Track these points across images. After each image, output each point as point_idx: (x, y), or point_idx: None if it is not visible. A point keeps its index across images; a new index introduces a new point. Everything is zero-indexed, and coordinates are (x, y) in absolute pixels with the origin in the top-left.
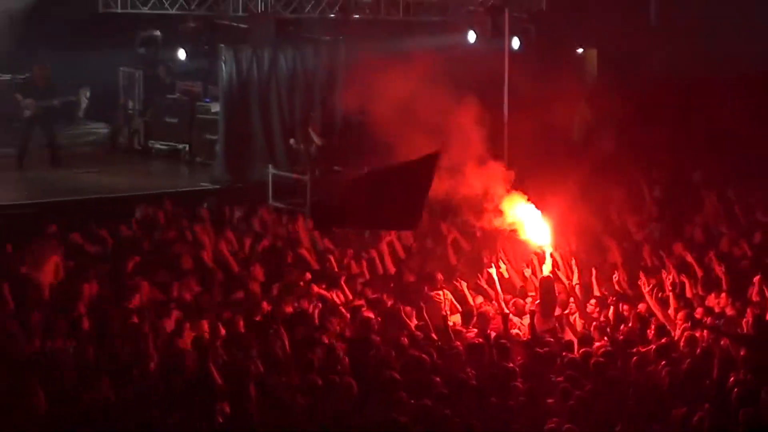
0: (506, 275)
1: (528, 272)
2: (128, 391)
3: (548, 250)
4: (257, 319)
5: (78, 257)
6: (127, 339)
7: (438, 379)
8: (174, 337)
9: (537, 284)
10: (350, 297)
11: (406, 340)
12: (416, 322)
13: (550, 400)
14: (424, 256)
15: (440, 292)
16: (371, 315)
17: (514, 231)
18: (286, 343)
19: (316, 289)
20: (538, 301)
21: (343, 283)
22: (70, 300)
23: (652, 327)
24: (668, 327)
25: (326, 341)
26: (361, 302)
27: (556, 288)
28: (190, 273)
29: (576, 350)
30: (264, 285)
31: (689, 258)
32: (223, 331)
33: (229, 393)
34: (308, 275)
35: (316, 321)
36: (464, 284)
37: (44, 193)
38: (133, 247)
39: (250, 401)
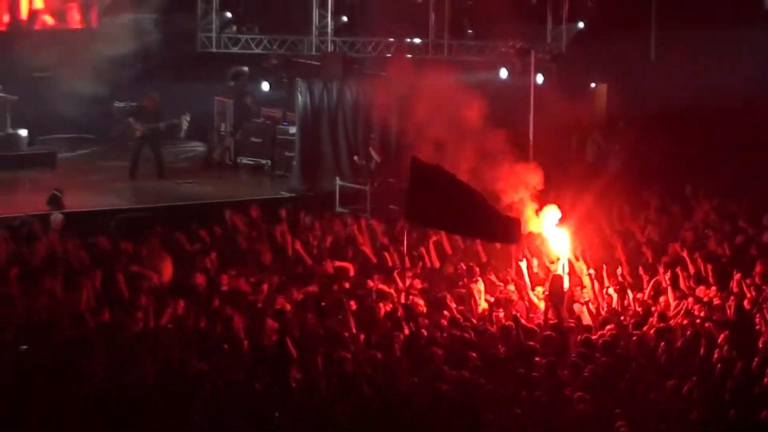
0: (531, 269)
1: (553, 267)
2: (221, 362)
3: (566, 248)
4: (324, 303)
5: (180, 252)
6: (217, 318)
7: (474, 354)
8: (259, 316)
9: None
10: (402, 286)
11: (447, 323)
12: (456, 307)
13: (565, 372)
14: (464, 253)
15: (475, 283)
16: (420, 301)
17: (539, 233)
18: (352, 323)
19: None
20: (547, 293)
21: (396, 274)
22: (174, 287)
23: (653, 313)
24: (665, 313)
25: (385, 323)
26: (412, 291)
27: (564, 283)
28: (271, 265)
29: (589, 332)
30: (331, 276)
31: (684, 255)
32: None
33: (300, 363)
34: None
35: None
36: (494, 277)
37: (152, 199)
38: (224, 244)
39: (317, 370)
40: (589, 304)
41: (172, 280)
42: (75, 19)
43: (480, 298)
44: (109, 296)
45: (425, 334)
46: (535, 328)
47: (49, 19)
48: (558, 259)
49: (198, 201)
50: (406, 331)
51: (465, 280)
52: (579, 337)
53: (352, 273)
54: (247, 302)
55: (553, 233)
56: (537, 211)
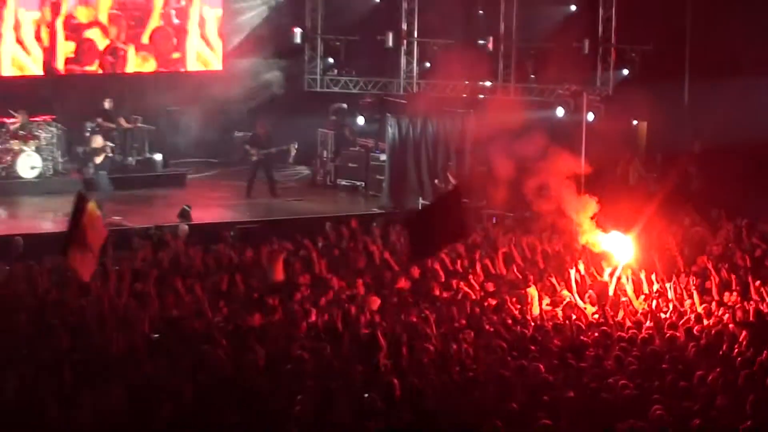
0: (581, 276)
1: (606, 274)
2: (323, 351)
3: (614, 258)
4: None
5: (290, 259)
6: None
7: (533, 347)
8: (357, 313)
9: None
10: (476, 289)
11: (511, 320)
12: (518, 307)
13: (609, 363)
14: (527, 263)
15: (532, 287)
16: (492, 301)
17: (591, 244)
18: (432, 320)
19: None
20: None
21: (471, 279)
22: (286, 288)
23: (683, 315)
24: (694, 315)
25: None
26: (481, 293)
27: (610, 288)
28: (364, 270)
29: (630, 330)
30: (417, 280)
31: (710, 266)
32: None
33: (388, 352)
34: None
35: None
36: (554, 280)
37: (265, 214)
38: (325, 253)
39: (402, 358)
40: (631, 306)
41: (282, 280)
42: (204, 63)
43: (536, 300)
44: (228, 294)
45: (491, 329)
46: (584, 325)
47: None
48: (607, 267)
49: (303, 216)
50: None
51: (524, 284)
52: (622, 334)
53: (435, 277)
54: (345, 298)
55: (604, 245)
56: (591, 226)
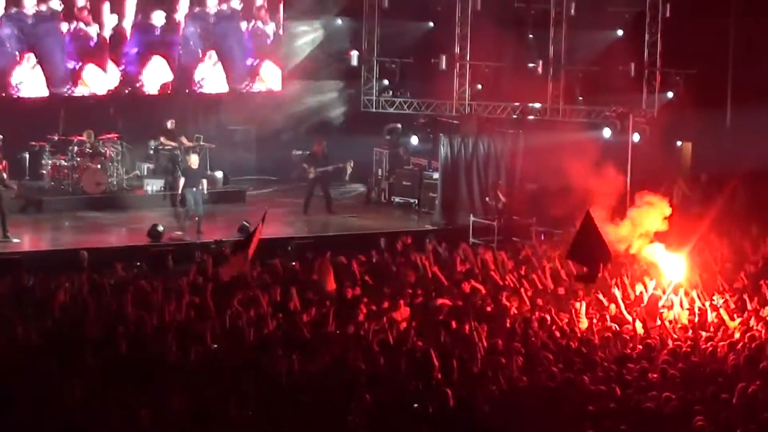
0: (626, 291)
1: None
2: (377, 362)
3: (659, 274)
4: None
5: (344, 273)
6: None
7: (579, 359)
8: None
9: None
10: (526, 303)
11: (558, 333)
12: (565, 321)
13: (654, 375)
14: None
15: (581, 302)
16: (537, 316)
17: (641, 260)
18: (483, 335)
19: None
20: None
21: (522, 293)
22: (338, 299)
23: (723, 329)
24: (732, 330)
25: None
26: (530, 307)
27: (655, 302)
28: (415, 284)
29: (673, 343)
30: (467, 295)
31: (751, 283)
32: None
33: (439, 364)
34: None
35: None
36: (601, 295)
37: (322, 230)
38: (380, 266)
39: (452, 373)
40: (676, 320)
41: (335, 290)
42: (264, 84)
43: (583, 314)
44: (284, 305)
45: (539, 342)
46: (630, 339)
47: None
48: (653, 282)
49: (358, 232)
50: (528, 340)
51: (572, 299)
52: (665, 347)
53: (483, 292)
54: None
55: (653, 260)
56: (639, 242)
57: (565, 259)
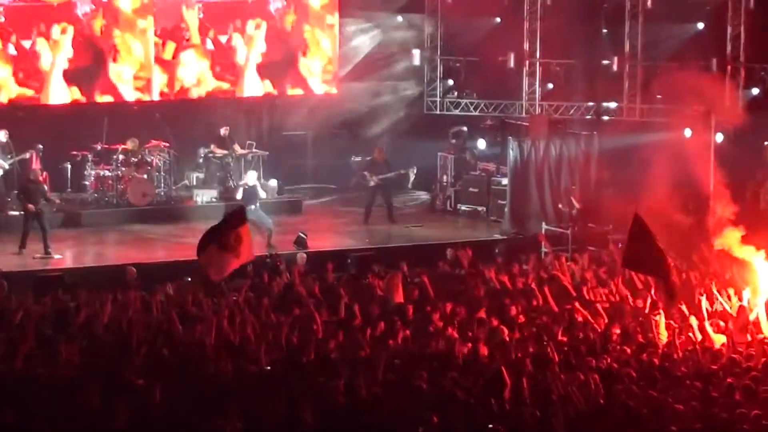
0: (711, 303)
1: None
2: (443, 381)
3: (747, 284)
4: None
5: (408, 285)
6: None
7: (660, 376)
8: (474, 342)
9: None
10: (601, 315)
11: (638, 348)
12: (645, 335)
13: (740, 392)
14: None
15: (661, 314)
16: (616, 330)
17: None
18: (553, 348)
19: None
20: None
21: (599, 305)
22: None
23: None
24: None
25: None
26: (606, 321)
27: (747, 315)
28: (484, 298)
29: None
30: (537, 308)
31: None
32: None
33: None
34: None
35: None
36: (684, 307)
37: (384, 241)
38: (446, 279)
39: (523, 393)
40: (762, 334)
41: (402, 302)
42: (317, 86)
43: (664, 327)
44: (345, 322)
45: (617, 357)
46: (714, 354)
47: (296, 90)
48: (738, 293)
49: (423, 242)
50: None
51: (650, 311)
52: (752, 363)
53: (553, 305)
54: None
55: (741, 270)
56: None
57: (623, 268)
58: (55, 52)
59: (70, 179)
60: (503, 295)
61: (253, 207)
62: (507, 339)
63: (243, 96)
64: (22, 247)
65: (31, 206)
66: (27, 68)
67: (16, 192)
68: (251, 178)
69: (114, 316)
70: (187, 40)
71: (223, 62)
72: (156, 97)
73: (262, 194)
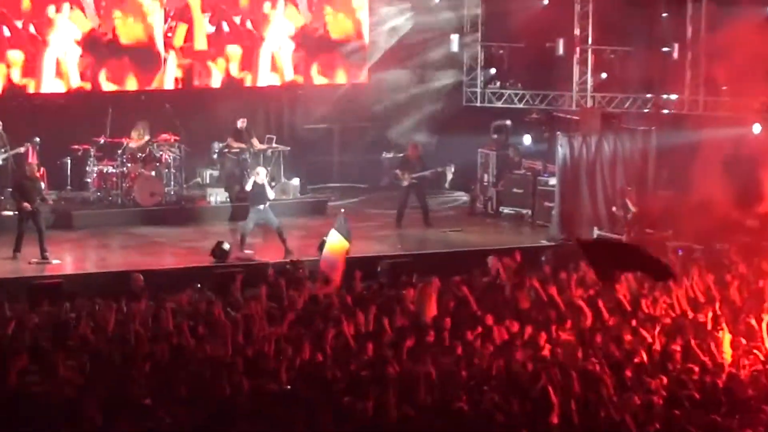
0: None
1: None
2: (484, 403)
3: None
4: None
5: (445, 298)
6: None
7: (725, 399)
8: (518, 360)
9: None
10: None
11: (698, 368)
12: (707, 353)
13: None
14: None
15: (722, 331)
16: (676, 347)
17: None
18: (606, 367)
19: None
20: None
21: (658, 321)
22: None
23: None
24: None
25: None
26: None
27: None
28: (529, 311)
29: None
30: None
31: None
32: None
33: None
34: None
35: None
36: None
37: (418, 246)
38: (486, 290)
39: (572, 416)
40: None
41: (434, 319)
42: (344, 75)
43: (729, 345)
44: (374, 337)
45: (676, 378)
46: None
47: (320, 79)
48: None
49: (461, 248)
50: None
51: (714, 327)
52: None
53: (609, 320)
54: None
55: None
56: None
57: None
58: (52, 35)
59: (70, 176)
60: (551, 308)
61: (261, 207)
62: (554, 357)
63: (262, 85)
64: (16, 250)
65: (26, 205)
66: (21, 52)
67: (10, 190)
68: (262, 175)
69: (118, 328)
70: (200, 22)
71: (240, 48)
72: (166, 86)
73: (271, 195)
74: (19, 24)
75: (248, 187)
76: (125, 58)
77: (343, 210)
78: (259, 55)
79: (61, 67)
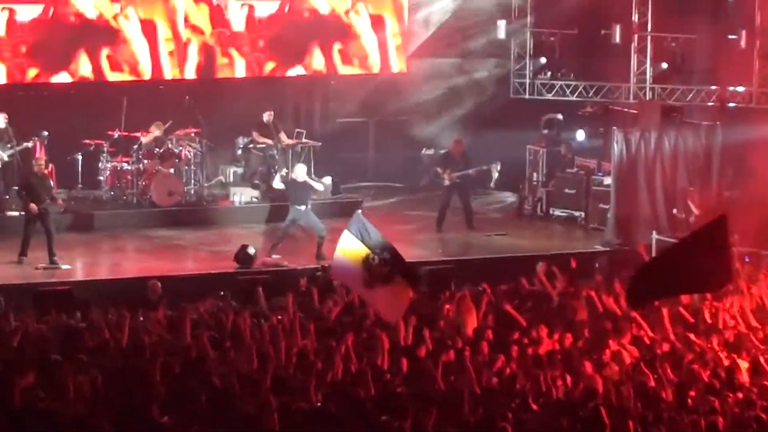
0: None
1: None
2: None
3: None
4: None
5: (489, 308)
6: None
7: None
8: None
9: None
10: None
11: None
12: None
13: None
14: None
15: None
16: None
17: None
18: (666, 384)
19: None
20: None
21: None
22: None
23: None
24: None
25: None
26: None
27: None
28: (583, 323)
29: None
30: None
31: None
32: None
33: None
34: None
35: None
36: None
37: (460, 252)
38: (534, 299)
39: None
40: None
41: (476, 334)
42: (381, 63)
43: None
44: (412, 350)
45: (744, 399)
46: None
47: (351, 69)
48: None
49: (508, 254)
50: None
51: None
52: None
53: (669, 333)
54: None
55: None
56: None
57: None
58: (61, 18)
59: (81, 173)
60: (606, 320)
61: (303, 207)
62: (610, 373)
63: (290, 75)
64: (22, 254)
65: (34, 206)
66: (28, 39)
67: (16, 188)
68: (300, 172)
69: (133, 340)
70: (224, 6)
71: (267, 34)
72: (186, 75)
73: (319, 187)
74: (26, 9)
75: (276, 185)
76: (141, 43)
77: (360, 210)
78: (289, 43)
79: (72, 55)
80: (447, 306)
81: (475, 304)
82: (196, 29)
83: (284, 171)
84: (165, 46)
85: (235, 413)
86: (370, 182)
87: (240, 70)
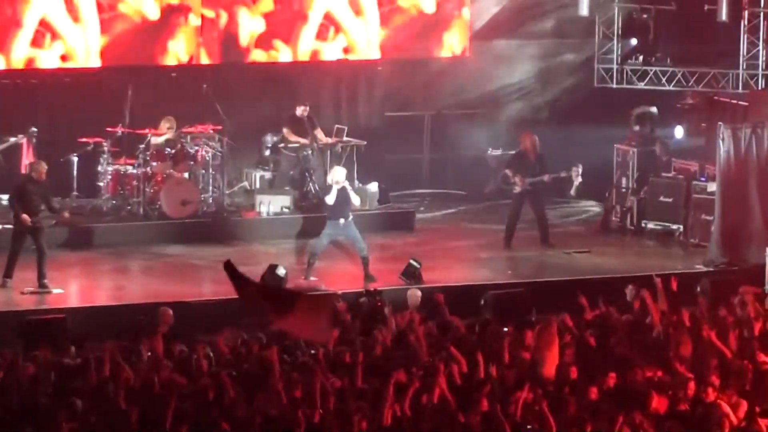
0: None
1: None
2: None
3: None
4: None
5: (572, 338)
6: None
7: None
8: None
9: None
10: None
11: None
12: None
13: None
14: None
15: None
16: None
17: None
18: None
19: None
20: None
21: None
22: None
23: None
24: None
25: None
26: None
27: None
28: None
29: None
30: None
31: None
32: None
33: None
34: None
35: None
36: None
37: (534, 273)
38: (627, 328)
39: None
40: None
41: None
42: (438, 46)
43: None
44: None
45: None
46: None
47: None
48: None
49: (592, 275)
50: None
51: None
52: None
53: None
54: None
55: None
56: None
57: None
58: None
59: (77, 178)
60: (712, 354)
61: (342, 221)
62: (725, 416)
63: (328, 60)
64: (6, 276)
65: (26, 217)
66: (14, 20)
67: (8, 196)
68: (339, 175)
69: (138, 379)
70: None
71: (299, 13)
72: (203, 61)
73: (356, 201)
74: None
75: (330, 199)
76: (150, 24)
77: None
78: (330, 23)
79: (65, 38)
80: (520, 338)
81: (558, 337)
82: (213, 7)
83: (331, 178)
84: (179, 26)
85: None
86: (424, 189)
87: (268, 54)
